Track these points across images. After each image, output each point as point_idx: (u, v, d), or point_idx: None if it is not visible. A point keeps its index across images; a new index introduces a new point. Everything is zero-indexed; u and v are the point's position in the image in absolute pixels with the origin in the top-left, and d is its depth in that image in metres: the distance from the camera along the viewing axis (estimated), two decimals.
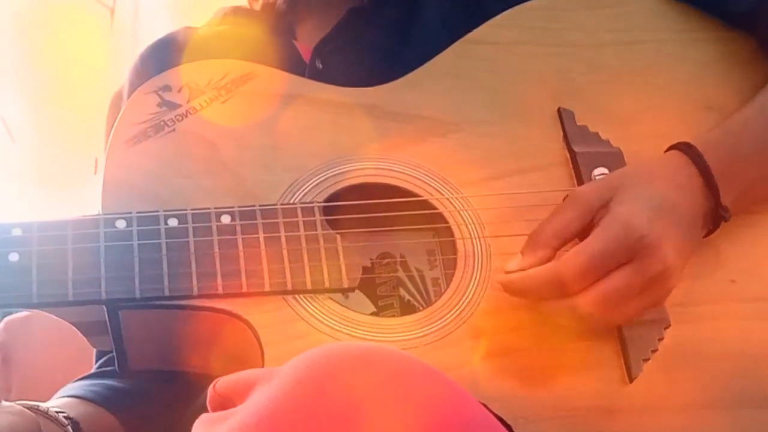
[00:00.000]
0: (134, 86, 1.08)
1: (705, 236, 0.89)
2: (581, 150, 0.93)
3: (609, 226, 0.82)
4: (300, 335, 0.83)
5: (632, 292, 0.82)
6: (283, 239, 0.86)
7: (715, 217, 0.88)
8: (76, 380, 1.03)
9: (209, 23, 1.17)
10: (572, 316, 0.82)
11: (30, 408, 0.87)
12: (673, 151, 0.90)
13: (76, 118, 2.51)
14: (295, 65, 1.04)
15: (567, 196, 0.87)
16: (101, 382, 1.01)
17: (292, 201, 0.89)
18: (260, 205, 0.87)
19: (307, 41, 1.11)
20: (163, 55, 1.09)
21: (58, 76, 2.66)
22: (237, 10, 1.16)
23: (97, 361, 1.06)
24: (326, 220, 0.88)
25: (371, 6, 1.07)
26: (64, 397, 0.98)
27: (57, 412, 0.89)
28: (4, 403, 0.85)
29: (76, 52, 2.65)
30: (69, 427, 0.89)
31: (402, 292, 0.94)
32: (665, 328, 0.86)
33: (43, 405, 0.89)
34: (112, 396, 0.99)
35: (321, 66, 1.06)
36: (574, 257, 0.81)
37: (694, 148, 0.88)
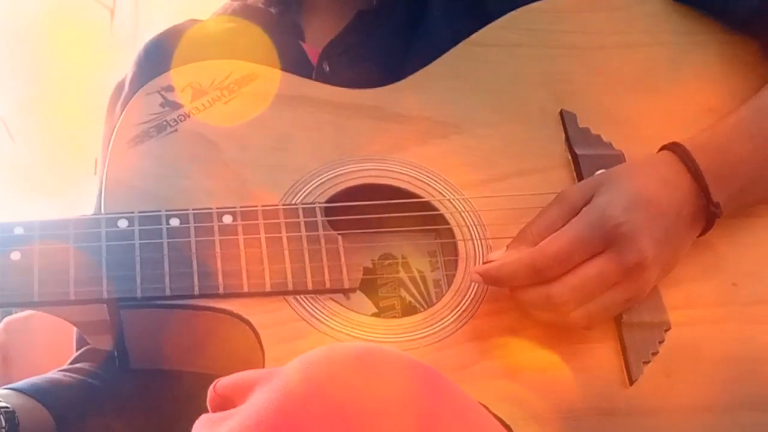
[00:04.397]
0: (137, 77, 1.08)
1: (700, 235, 0.89)
2: (583, 152, 0.94)
3: (586, 214, 0.84)
4: (301, 335, 0.83)
5: (608, 282, 0.82)
6: (284, 239, 0.86)
7: (708, 214, 0.88)
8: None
9: (217, 18, 1.16)
10: (548, 306, 0.82)
11: None
12: (662, 151, 0.90)
13: (76, 119, 2.51)
14: (302, 67, 1.04)
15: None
16: (49, 377, 0.98)
17: (293, 202, 0.89)
18: (262, 206, 0.87)
19: (314, 43, 1.10)
20: (169, 48, 1.08)
21: (58, 76, 2.66)
22: (246, 8, 1.15)
23: (77, 349, 1.04)
24: (328, 221, 0.88)
25: (380, 9, 1.07)
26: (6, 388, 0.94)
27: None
28: None
29: (76, 53, 2.66)
30: (1, 417, 0.86)
31: (403, 293, 0.93)
32: (666, 331, 0.86)
33: None
34: (51, 390, 0.95)
35: (328, 68, 1.05)
36: (549, 243, 0.82)
37: (681, 146, 0.89)
